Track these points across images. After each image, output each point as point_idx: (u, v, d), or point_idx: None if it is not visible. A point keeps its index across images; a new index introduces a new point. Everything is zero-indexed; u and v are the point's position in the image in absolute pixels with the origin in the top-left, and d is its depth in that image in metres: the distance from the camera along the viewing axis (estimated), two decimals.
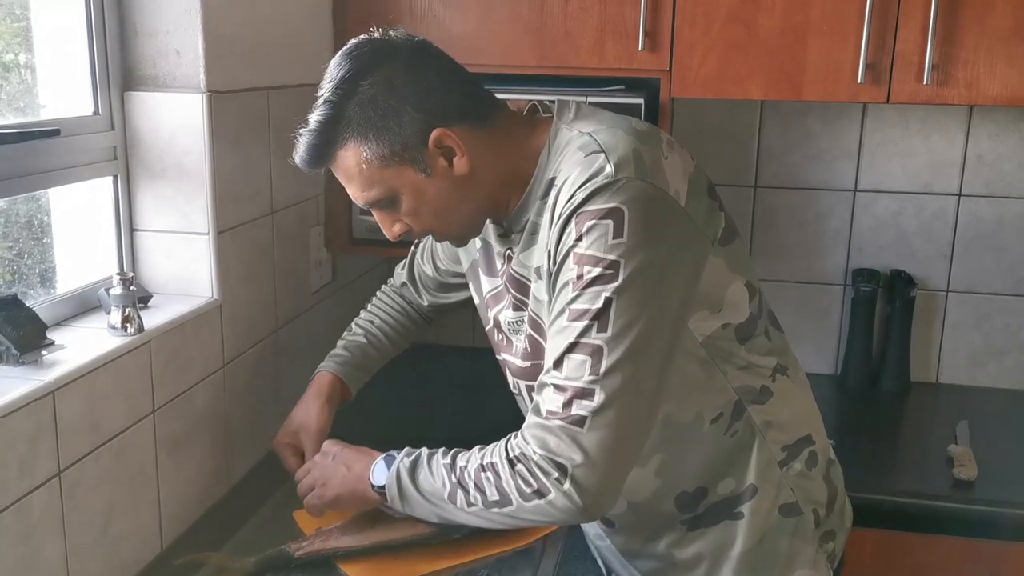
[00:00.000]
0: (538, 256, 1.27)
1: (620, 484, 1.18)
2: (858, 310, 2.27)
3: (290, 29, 1.79)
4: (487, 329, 1.48)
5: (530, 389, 1.37)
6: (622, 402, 1.13)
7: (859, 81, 1.81)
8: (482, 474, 1.21)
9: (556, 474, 1.14)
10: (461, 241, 1.38)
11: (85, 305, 1.49)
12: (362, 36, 1.26)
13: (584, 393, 1.13)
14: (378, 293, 1.76)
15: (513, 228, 1.33)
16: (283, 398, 1.85)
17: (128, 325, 1.37)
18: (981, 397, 2.26)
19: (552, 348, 1.18)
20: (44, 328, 1.28)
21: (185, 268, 1.57)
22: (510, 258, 1.35)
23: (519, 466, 1.17)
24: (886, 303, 2.27)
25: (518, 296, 1.35)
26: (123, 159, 1.55)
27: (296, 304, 1.90)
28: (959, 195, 2.23)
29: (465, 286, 1.56)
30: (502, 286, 1.40)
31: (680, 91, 1.89)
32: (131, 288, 1.38)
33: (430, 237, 1.51)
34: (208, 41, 1.51)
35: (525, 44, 1.91)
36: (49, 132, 1.36)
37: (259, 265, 1.73)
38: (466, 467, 1.23)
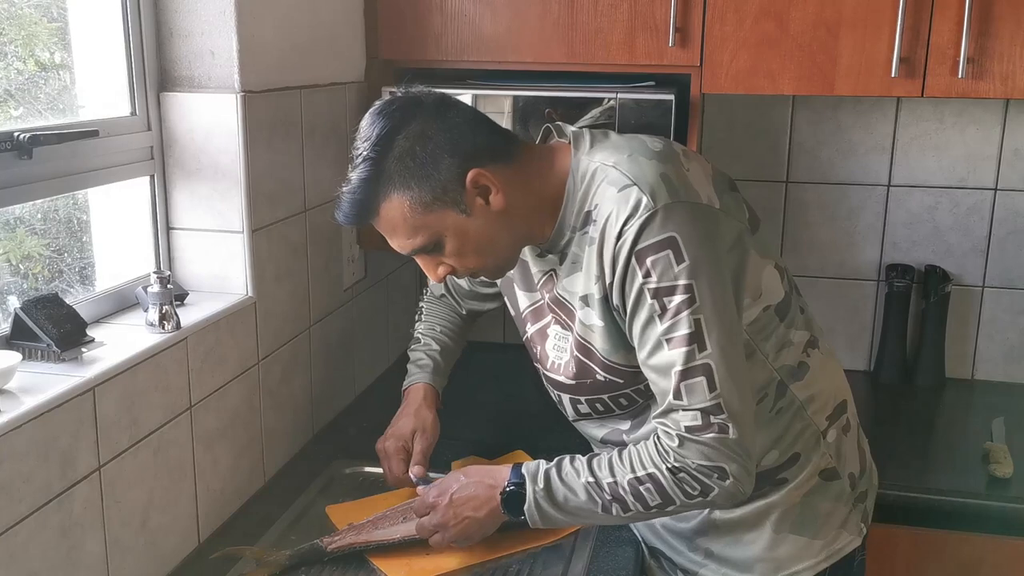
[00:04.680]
0: (583, 285, 1.35)
1: (756, 454, 1.31)
2: (892, 306, 2.25)
3: (322, 29, 1.81)
4: (524, 339, 1.54)
5: (574, 402, 1.46)
6: (738, 397, 1.25)
7: (893, 75, 1.79)
8: (640, 486, 1.29)
9: (716, 475, 1.26)
10: (499, 274, 1.44)
11: (123, 302, 1.51)
12: (386, 97, 1.34)
13: (714, 409, 1.24)
14: (423, 305, 1.82)
15: (551, 250, 1.40)
16: (317, 394, 1.87)
17: (165, 322, 1.39)
18: (1018, 393, 2.23)
19: (663, 377, 1.27)
20: (84, 325, 1.31)
21: (220, 266, 1.59)
22: (553, 278, 1.42)
23: (681, 475, 1.27)
24: (920, 299, 2.25)
25: (562, 316, 1.42)
26: (159, 159, 1.57)
27: (329, 301, 1.92)
28: (995, 189, 2.20)
29: (499, 294, 1.64)
30: (543, 302, 1.46)
31: (711, 87, 1.88)
32: (168, 286, 1.40)
33: None
34: (242, 42, 1.53)
35: (555, 41, 1.91)
36: (88, 133, 1.38)
37: (293, 262, 1.75)
38: (616, 481, 1.30)
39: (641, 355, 1.29)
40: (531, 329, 1.50)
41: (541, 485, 1.33)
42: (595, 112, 1.86)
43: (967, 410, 2.21)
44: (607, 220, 1.27)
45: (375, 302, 2.15)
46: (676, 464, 1.26)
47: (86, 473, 1.22)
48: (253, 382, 1.63)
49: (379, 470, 1.61)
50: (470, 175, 1.28)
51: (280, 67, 1.66)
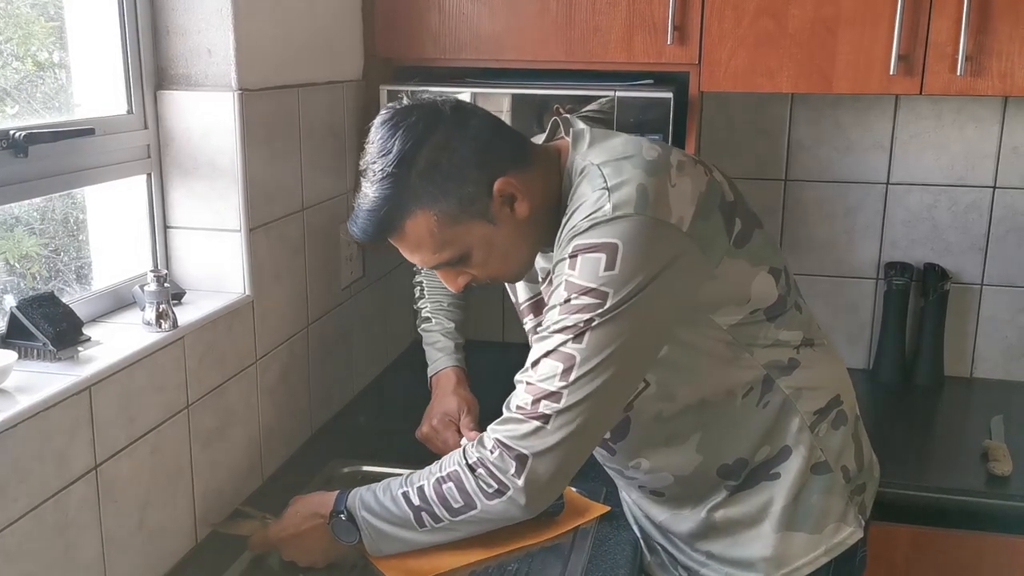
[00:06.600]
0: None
1: (564, 483, 1.28)
2: (891, 304, 2.25)
3: (320, 28, 1.81)
4: (527, 330, 1.54)
5: None
6: (585, 408, 1.21)
7: (891, 72, 1.79)
8: (443, 486, 1.29)
9: (514, 468, 1.23)
10: (519, 278, 1.42)
11: (120, 301, 1.51)
12: (399, 104, 1.29)
13: (552, 395, 1.21)
14: (422, 280, 1.84)
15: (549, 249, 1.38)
16: (315, 393, 1.87)
17: (162, 321, 1.39)
18: (1016, 391, 2.23)
19: (532, 353, 1.25)
20: (80, 324, 1.31)
21: (218, 265, 1.59)
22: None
23: (480, 470, 1.26)
24: (919, 297, 2.25)
25: None
26: (156, 157, 1.56)
27: (327, 299, 1.91)
28: (994, 187, 2.20)
29: None
30: (543, 298, 1.45)
31: (709, 85, 1.88)
32: (165, 285, 1.40)
33: None
34: (239, 40, 1.53)
35: (554, 39, 1.91)
36: (84, 131, 1.38)
37: (290, 261, 1.74)
38: (423, 486, 1.30)
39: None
40: (531, 323, 1.50)
41: (367, 510, 1.33)
42: (594, 106, 1.86)
43: (966, 408, 2.21)
44: (573, 214, 1.24)
45: (373, 301, 2.14)
46: (474, 458, 1.26)
47: (82, 472, 1.22)
48: (251, 381, 1.62)
49: (378, 469, 1.62)
50: (497, 184, 1.25)
51: (277, 65, 1.65)
